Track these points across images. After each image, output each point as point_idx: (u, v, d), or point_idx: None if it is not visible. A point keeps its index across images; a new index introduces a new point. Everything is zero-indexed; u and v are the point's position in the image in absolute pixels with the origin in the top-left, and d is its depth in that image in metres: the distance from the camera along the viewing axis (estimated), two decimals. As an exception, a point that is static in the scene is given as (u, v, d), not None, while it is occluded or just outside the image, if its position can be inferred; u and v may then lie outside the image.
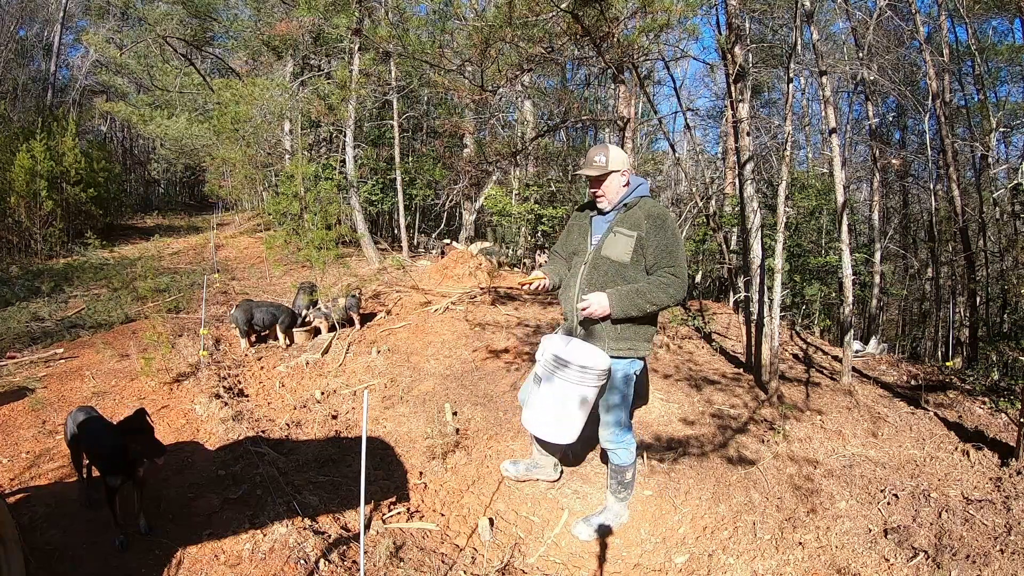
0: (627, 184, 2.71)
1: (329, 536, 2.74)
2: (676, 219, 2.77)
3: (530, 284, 2.75)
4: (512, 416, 4.11)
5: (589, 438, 3.01)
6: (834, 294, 8.92)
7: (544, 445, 3.16)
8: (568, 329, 2.81)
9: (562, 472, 3.32)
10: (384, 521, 3.02)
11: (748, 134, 4.98)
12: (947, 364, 5.99)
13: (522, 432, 3.81)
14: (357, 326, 6.24)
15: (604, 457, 3.00)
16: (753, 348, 5.03)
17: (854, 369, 5.13)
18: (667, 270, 2.58)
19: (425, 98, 14.68)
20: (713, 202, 9.89)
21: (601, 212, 2.76)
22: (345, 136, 10.42)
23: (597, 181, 2.67)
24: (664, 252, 2.58)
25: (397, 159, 10.78)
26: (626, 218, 2.65)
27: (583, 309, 2.60)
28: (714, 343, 5.99)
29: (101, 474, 2.67)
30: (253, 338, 6.00)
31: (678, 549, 2.86)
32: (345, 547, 2.69)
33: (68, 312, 7.31)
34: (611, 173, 2.65)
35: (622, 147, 4.82)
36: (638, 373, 2.76)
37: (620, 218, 2.67)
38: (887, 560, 2.58)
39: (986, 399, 4.41)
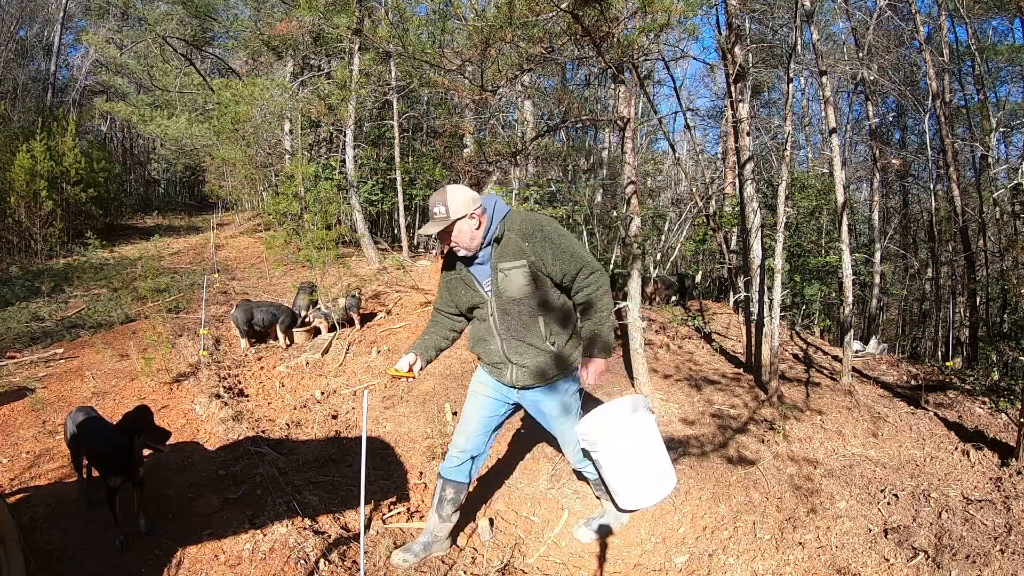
0: (480, 225, 2.31)
1: (329, 536, 2.74)
2: (549, 216, 2.56)
3: (402, 376, 2.47)
4: (511, 416, 4.11)
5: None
6: (834, 294, 8.91)
7: (447, 509, 2.69)
8: (498, 375, 2.55)
9: (454, 542, 2.87)
10: (384, 521, 3.02)
11: (748, 134, 4.98)
12: (947, 364, 5.99)
13: (522, 432, 3.81)
14: (357, 326, 6.24)
15: (580, 475, 2.83)
16: (753, 348, 5.03)
17: (854, 369, 5.13)
18: (582, 277, 2.33)
19: (425, 98, 14.68)
20: (713, 202, 9.87)
21: (468, 260, 2.42)
22: (345, 136, 10.42)
23: (444, 235, 2.32)
24: (565, 258, 2.30)
25: (397, 159, 10.77)
26: (504, 252, 2.32)
27: (593, 384, 2.47)
28: (714, 343, 5.99)
29: (101, 475, 2.66)
30: (253, 338, 6.00)
31: (678, 549, 2.86)
32: (345, 547, 2.69)
33: (68, 312, 7.31)
34: (456, 222, 2.28)
35: (622, 147, 4.82)
36: (577, 410, 2.61)
37: (497, 254, 2.33)
38: (887, 560, 2.58)
39: (986, 399, 4.41)
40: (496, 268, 2.34)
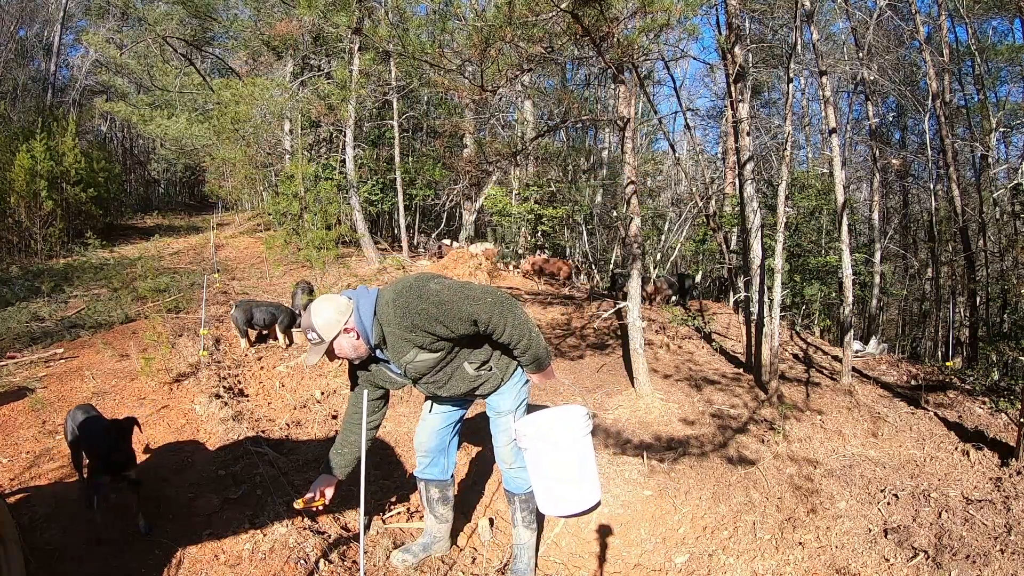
0: (359, 336, 2.16)
1: (329, 536, 2.74)
2: (412, 282, 2.19)
3: (316, 505, 2.45)
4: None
5: None
6: (834, 294, 8.92)
7: (438, 509, 2.69)
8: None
9: (454, 542, 2.86)
10: (384, 521, 3.02)
11: (748, 134, 4.98)
12: (947, 364, 5.99)
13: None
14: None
15: (509, 497, 2.62)
16: (753, 348, 5.03)
17: (854, 369, 5.13)
18: (482, 326, 2.13)
19: (425, 98, 14.69)
20: (713, 202, 9.88)
21: (366, 363, 2.32)
22: (345, 136, 10.42)
23: (329, 355, 2.19)
24: (456, 323, 2.09)
25: (397, 159, 10.78)
26: (395, 350, 2.18)
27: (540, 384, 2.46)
28: (714, 343, 5.99)
29: (90, 473, 2.65)
30: (253, 337, 6.01)
31: (678, 549, 2.86)
32: (345, 547, 2.69)
33: (68, 312, 7.31)
34: (333, 341, 2.14)
35: (622, 147, 4.82)
36: (525, 400, 2.52)
37: (392, 353, 2.21)
38: (887, 560, 2.58)
39: (986, 399, 4.41)
40: (399, 362, 2.22)
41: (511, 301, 2.18)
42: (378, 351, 2.24)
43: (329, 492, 2.50)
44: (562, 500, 2.27)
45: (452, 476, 2.71)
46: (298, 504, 2.45)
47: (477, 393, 2.46)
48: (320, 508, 2.58)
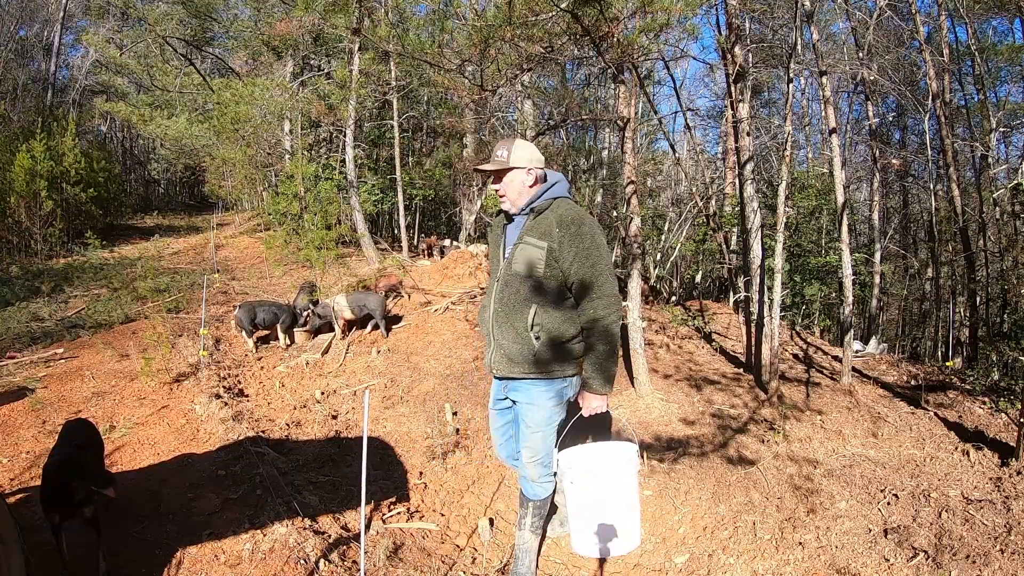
0: (534, 184, 2.35)
1: (329, 536, 2.74)
2: (596, 223, 2.38)
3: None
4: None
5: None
6: (834, 294, 8.92)
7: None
8: (487, 359, 2.48)
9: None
10: (384, 521, 3.02)
11: (748, 134, 4.98)
12: (947, 364, 5.99)
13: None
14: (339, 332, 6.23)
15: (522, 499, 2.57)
16: (753, 348, 5.03)
17: (854, 369, 5.13)
18: (591, 295, 2.23)
19: (425, 98, 14.68)
20: (713, 202, 9.88)
21: (510, 219, 2.44)
22: (345, 136, 10.42)
23: (497, 176, 2.35)
24: (583, 264, 2.21)
25: (397, 159, 10.78)
26: (535, 225, 2.29)
27: (588, 417, 2.34)
28: (714, 343, 5.99)
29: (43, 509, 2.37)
30: (256, 337, 6.02)
31: (678, 549, 2.86)
32: (345, 547, 2.69)
33: (68, 312, 7.31)
34: (512, 169, 2.31)
35: (622, 147, 4.82)
36: (570, 398, 2.44)
37: (529, 225, 2.32)
38: (887, 560, 2.58)
39: (986, 399, 4.41)
40: (522, 238, 2.32)
41: (617, 299, 2.30)
42: (523, 216, 2.36)
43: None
44: (599, 540, 2.17)
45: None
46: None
47: (503, 344, 2.33)
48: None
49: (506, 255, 2.38)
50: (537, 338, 2.29)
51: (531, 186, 2.34)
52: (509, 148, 2.32)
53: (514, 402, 2.50)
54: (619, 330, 2.29)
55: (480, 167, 2.42)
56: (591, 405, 2.34)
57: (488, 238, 2.64)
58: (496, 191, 2.42)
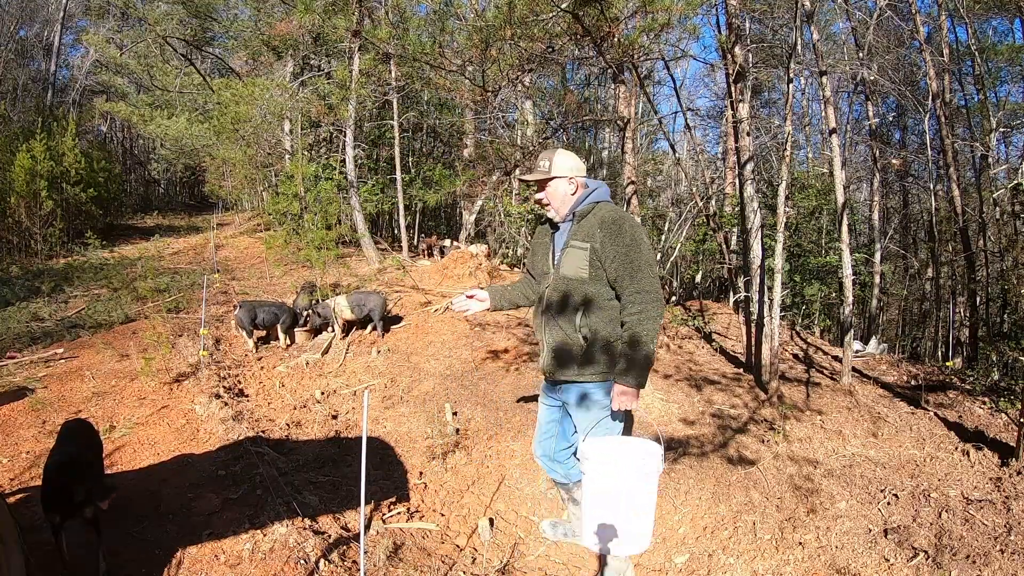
0: (576, 192, 2.45)
1: (329, 536, 2.74)
2: (638, 223, 2.50)
3: (453, 303, 2.56)
4: (512, 416, 4.11)
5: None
6: (834, 294, 8.91)
7: (572, 508, 2.85)
8: (541, 361, 2.59)
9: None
10: (384, 521, 3.02)
11: (748, 134, 4.98)
12: (947, 364, 5.99)
13: (522, 432, 3.82)
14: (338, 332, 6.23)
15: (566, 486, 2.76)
16: (753, 348, 5.03)
17: (854, 369, 5.13)
18: (630, 291, 2.29)
19: (425, 98, 14.68)
20: (713, 202, 9.88)
21: (555, 227, 2.53)
22: (345, 136, 10.42)
23: (540, 186, 2.47)
24: (623, 263, 2.29)
25: (397, 159, 10.77)
26: (579, 229, 2.38)
27: (616, 408, 2.39)
28: (714, 343, 5.99)
29: (43, 509, 2.37)
30: (256, 337, 6.02)
31: (678, 549, 2.86)
32: (345, 547, 2.68)
33: (68, 312, 7.31)
34: (554, 179, 2.42)
35: (622, 147, 4.82)
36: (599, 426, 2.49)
37: (573, 230, 2.41)
38: (887, 560, 2.58)
39: (986, 399, 4.41)
40: (568, 243, 2.41)
41: (659, 297, 2.36)
42: (565, 226, 2.46)
43: (478, 301, 2.63)
44: (605, 535, 2.14)
45: (567, 478, 2.75)
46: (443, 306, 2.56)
47: (552, 343, 2.44)
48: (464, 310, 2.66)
49: (555, 261, 2.48)
50: (585, 339, 2.37)
51: (573, 194, 2.45)
52: (551, 158, 2.42)
53: (563, 403, 2.57)
54: (658, 327, 2.33)
55: (523, 177, 2.52)
56: (622, 399, 2.37)
57: (532, 243, 2.73)
58: (539, 201, 2.52)
